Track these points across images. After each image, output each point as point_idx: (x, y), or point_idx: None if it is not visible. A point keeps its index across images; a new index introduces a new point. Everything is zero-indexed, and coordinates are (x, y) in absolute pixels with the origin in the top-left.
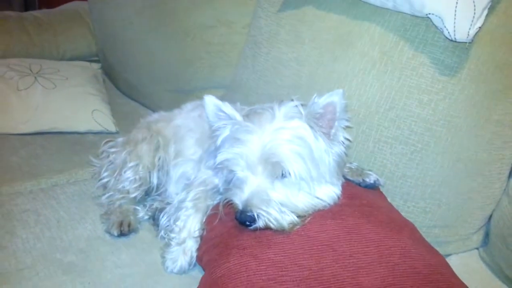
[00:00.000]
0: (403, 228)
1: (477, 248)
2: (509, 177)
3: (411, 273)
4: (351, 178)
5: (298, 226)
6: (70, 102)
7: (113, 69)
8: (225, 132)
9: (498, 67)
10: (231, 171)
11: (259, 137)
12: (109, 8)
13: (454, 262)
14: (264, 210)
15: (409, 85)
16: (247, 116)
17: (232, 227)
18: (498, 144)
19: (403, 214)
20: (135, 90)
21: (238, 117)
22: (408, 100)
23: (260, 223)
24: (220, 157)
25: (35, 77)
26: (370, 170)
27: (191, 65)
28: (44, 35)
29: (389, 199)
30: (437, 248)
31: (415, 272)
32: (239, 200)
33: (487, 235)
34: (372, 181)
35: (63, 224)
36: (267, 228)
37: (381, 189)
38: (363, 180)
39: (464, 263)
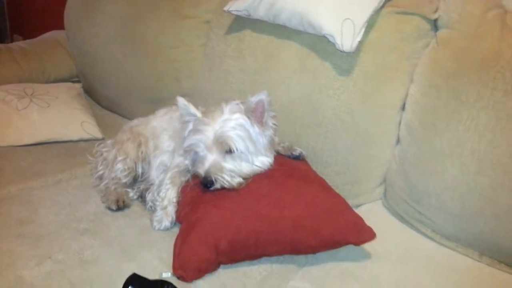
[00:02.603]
0: (314, 181)
1: (380, 199)
2: (396, 144)
3: (318, 207)
4: (283, 153)
5: (243, 185)
6: (62, 116)
7: (93, 87)
8: (190, 126)
9: (378, 67)
10: (195, 152)
11: (212, 127)
12: (85, 35)
13: (363, 209)
14: (219, 175)
15: (319, 84)
16: (204, 113)
17: (199, 191)
18: (384, 121)
19: (324, 177)
20: (114, 103)
21: (199, 114)
22: (320, 94)
23: (217, 185)
24: (187, 143)
25: (31, 99)
26: (297, 147)
27: (160, 79)
28: (31, 63)
29: (313, 167)
30: (350, 200)
31: (321, 206)
32: (202, 170)
33: (386, 188)
34: (297, 154)
35: (74, 205)
36: (222, 188)
37: (308, 160)
38: (291, 153)
39: (371, 209)
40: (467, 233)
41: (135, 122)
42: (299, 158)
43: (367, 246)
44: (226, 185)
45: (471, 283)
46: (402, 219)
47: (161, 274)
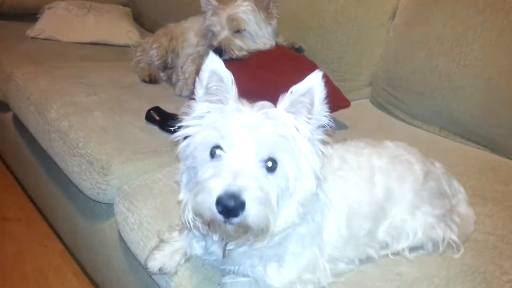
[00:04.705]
0: (305, 61)
1: (368, 98)
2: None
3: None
4: (286, 46)
5: (247, 57)
6: (112, 25)
7: (140, 12)
8: (209, 13)
9: None
10: (212, 32)
11: (226, 11)
12: None
13: (353, 104)
14: (230, 47)
15: None
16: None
17: None
18: (376, 25)
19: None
20: (156, 24)
21: (215, 3)
22: (321, 2)
23: (226, 56)
24: (206, 23)
25: (88, 10)
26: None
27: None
28: None
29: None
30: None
31: None
32: (215, 42)
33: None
34: (297, 46)
35: (117, 75)
36: (230, 59)
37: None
38: (293, 46)
39: (360, 103)
40: (429, 110)
41: (170, 24)
42: (299, 51)
43: (346, 122)
44: (233, 56)
45: (427, 148)
46: (381, 107)
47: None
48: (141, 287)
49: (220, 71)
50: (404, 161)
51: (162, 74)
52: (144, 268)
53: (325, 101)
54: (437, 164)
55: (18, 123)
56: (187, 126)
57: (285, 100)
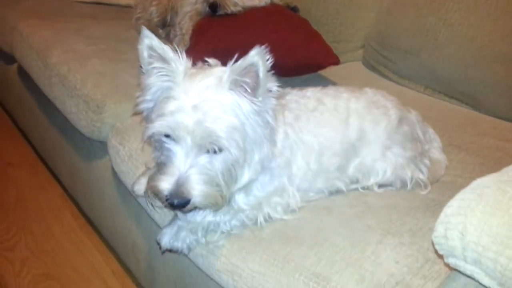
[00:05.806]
0: (299, 19)
1: (361, 60)
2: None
3: (296, 34)
4: (282, 4)
5: (242, 12)
6: None
7: None
8: None
9: None
10: None
11: None
12: None
13: (345, 65)
14: (225, 3)
15: None
16: None
17: (207, 20)
18: None
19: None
20: None
21: None
22: None
23: (221, 11)
24: None
25: None
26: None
27: None
28: None
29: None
30: None
31: (299, 35)
32: None
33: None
34: (292, 6)
35: (116, 32)
36: (226, 14)
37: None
38: (288, 5)
39: (352, 65)
40: (415, 68)
41: None
42: (294, 10)
43: (337, 81)
44: (228, 11)
45: (412, 105)
46: (372, 68)
47: None
48: (132, 217)
49: (158, 50)
50: (381, 106)
51: (160, 31)
52: (131, 192)
53: (271, 72)
54: (414, 112)
55: (22, 73)
56: (141, 101)
57: (228, 77)
